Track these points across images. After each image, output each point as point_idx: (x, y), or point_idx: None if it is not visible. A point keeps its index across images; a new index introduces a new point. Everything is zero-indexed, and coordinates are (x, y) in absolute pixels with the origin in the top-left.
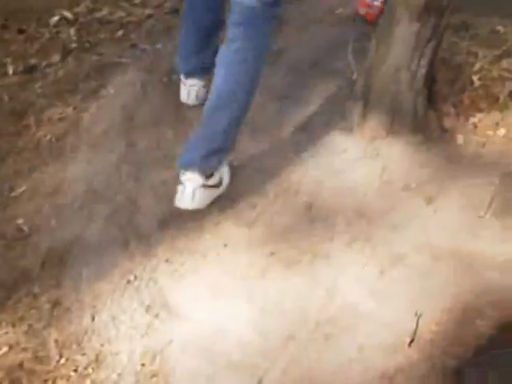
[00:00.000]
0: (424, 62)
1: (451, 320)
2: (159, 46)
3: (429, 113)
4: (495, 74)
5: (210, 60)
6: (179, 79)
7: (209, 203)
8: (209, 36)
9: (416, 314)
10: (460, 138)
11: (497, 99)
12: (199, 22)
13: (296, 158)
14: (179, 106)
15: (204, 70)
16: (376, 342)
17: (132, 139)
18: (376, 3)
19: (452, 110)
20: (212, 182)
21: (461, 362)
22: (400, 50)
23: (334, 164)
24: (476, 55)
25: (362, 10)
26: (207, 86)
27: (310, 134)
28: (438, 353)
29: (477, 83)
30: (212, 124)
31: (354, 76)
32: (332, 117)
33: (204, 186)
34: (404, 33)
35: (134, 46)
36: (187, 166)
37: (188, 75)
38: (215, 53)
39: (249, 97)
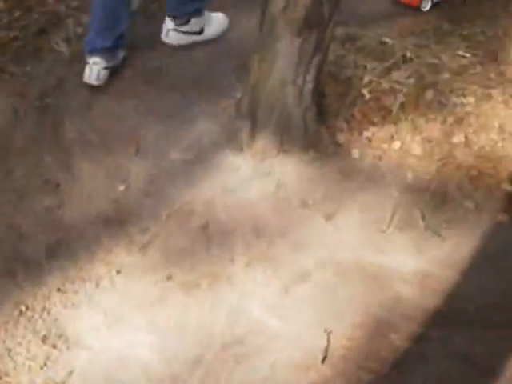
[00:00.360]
0: (310, 77)
1: (364, 335)
2: (28, 68)
3: (320, 128)
4: (386, 86)
5: (111, 43)
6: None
7: (185, 44)
8: (113, 19)
9: (326, 331)
10: (355, 153)
11: (389, 112)
12: (104, 3)
13: (186, 178)
14: (55, 129)
15: (106, 51)
16: (288, 361)
17: (8, 166)
18: None
19: (344, 125)
20: (187, 28)
21: (377, 376)
22: (284, 66)
23: (227, 183)
24: (365, 68)
25: None
26: (109, 69)
27: (199, 154)
28: (352, 368)
29: (367, 96)
30: None
31: (238, 94)
32: (220, 136)
33: (175, 30)
34: (286, 48)
35: (1, 69)
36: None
37: (91, 54)
38: (118, 37)
39: None
